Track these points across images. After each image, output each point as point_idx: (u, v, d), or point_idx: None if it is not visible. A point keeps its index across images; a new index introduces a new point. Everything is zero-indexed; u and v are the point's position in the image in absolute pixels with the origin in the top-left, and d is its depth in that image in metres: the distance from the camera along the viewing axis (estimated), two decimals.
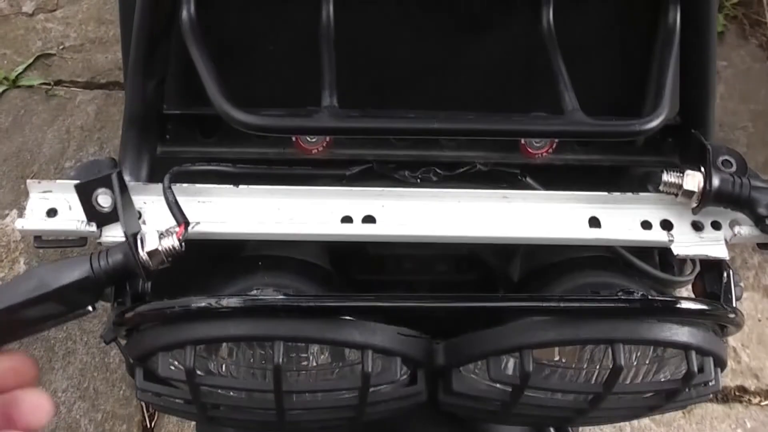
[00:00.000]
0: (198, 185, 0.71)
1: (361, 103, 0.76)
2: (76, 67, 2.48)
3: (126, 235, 0.64)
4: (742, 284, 0.77)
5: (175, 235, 0.65)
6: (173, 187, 0.70)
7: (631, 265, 0.76)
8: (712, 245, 0.71)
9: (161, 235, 0.65)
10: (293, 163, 0.78)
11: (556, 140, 0.77)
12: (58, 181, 0.70)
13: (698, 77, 0.78)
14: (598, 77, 0.81)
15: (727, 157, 0.72)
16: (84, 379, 1.88)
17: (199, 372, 0.65)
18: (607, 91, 0.82)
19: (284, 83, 0.80)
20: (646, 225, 0.72)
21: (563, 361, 0.69)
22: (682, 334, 0.65)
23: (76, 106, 2.38)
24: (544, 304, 0.64)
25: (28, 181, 0.69)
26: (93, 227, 0.67)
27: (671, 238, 0.71)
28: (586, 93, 0.73)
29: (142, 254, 0.64)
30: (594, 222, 0.71)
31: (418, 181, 0.77)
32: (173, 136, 0.80)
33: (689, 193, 0.70)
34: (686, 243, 0.71)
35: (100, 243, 0.68)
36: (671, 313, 0.65)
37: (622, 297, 0.65)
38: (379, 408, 0.68)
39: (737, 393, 1.96)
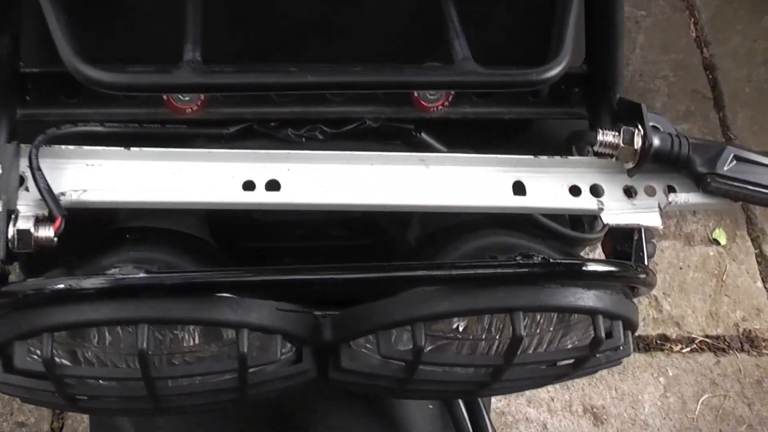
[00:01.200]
0: (86, 147, 0.64)
1: (238, 59, 0.70)
2: None
3: (2, 210, 0.59)
4: (654, 240, 0.73)
5: (51, 228, 0.59)
6: (51, 149, 0.63)
7: (535, 224, 0.71)
8: (645, 213, 0.67)
9: (37, 221, 0.59)
10: (166, 123, 0.71)
11: (452, 92, 0.72)
12: None
13: (604, 23, 0.73)
14: (496, 25, 0.75)
15: (653, 123, 0.68)
16: None
17: (63, 360, 0.59)
18: (507, 39, 0.76)
19: (150, 38, 0.72)
20: (575, 191, 0.67)
21: (460, 331, 0.64)
22: (587, 298, 0.60)
23: None
24: (437, 273, 0.59)
25: None
26: None
27: (601, 206, 0.67)
28: (484, 42, 0.67)
29: (12, 233, 0.59)
30: (518, 188, 0.66)
31: (303, 140, 0.70)
32: (34, 97, 0.72)
33: (627, 153, 0.66)
34: (618, 210, 0.67)
35: None
36: (576, 276, 0.60)
37: (521, 261, 0.60)
38: (264, 388, 0.62)
39: (659, 341, 1.97)
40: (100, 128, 0.69)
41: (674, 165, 0.66)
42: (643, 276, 0.64)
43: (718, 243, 2.13)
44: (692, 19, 2.55)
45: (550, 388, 1.83)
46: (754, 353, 2.00)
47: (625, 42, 2.48)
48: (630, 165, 0.67)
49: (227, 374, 0.60)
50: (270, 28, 0.72)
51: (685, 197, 0.67)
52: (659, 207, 0.68)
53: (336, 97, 0.71)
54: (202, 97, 0.70)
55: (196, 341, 0.62)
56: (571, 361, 0.64)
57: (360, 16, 0.73)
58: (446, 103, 0.72)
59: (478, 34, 0.67)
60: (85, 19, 0.66)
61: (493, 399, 1.80)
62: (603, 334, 0.61)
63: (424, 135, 0.71)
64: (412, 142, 0.72)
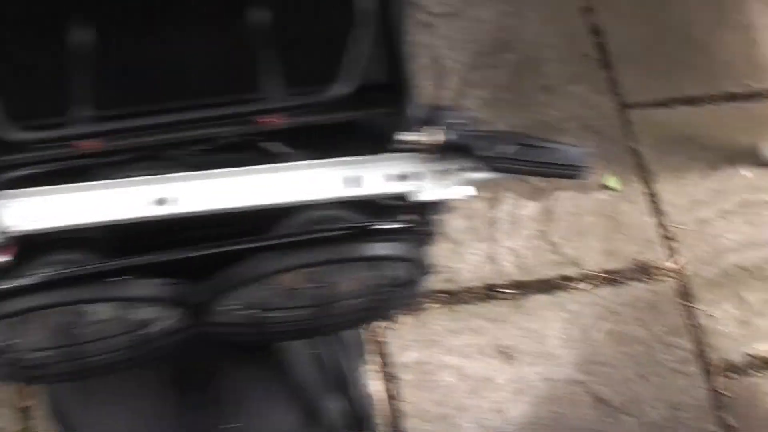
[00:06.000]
0: (31, 189, 0.86)
1: (119, 105, 0.93)
2: None
3: None
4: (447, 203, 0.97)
5: (10, 255, 0.82)
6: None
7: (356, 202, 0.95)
8: (453, 189, 0.90)
9: None
10: (74, 158, 0.93)
11: None
12: None
13: (390, 44, 0.97)
14: (304, 55, 0.98)
15: (450, 121, 0.90)
16: None
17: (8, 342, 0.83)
18: (313, 64, 1.00)
19: (49, 93, 0.95)
20: (396, 178, 0.90)
21: (297, 285, 0.88)
22: (379, 248, 0.85)
23: None
24: (267, 243, 0.83)
25: None
26: None
27: (417, 188, 0.90)
28: (295, 69, 0.91)
29: None
30: (350, 181, 0.89)
31: (184, 158, 0.93)
32: None
33: (430, 147, 0.89)
34: (430, 189, 0.90)
35: None
36: (367, 234, 0.85)
37: (326, 228, 0.85)
38: (157, 343, 0.87)
39: (560, 281, 2.19)
40: (25, 172, 0.91)
41: (468, 152, 0.89)
42: (424, 228, 0.89)
43: (610, 188, 2.35)
44: None
45: (463, 336, 2.07)
46: (648, 281, 2.23)
47: (519, 19, 2.63)
48: (435, 155, 0.90)
49: (128, 336, 0.85)
50: (132, 79, 0.95)
51: (479, 175, 0.90)
52: (462, 183, 0.90)
53: (200, 123, 0.95)
54: None
55: (106, 316, 0.86)
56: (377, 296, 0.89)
57: (199, 58, 0.97)
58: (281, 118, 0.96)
59: (290, 63, 0.91)
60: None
61: (414, 352, 2.04)
62: (396, 274, 0.86)
63: (267, 144, 0.95)
64: (261, 151, 0.95)
